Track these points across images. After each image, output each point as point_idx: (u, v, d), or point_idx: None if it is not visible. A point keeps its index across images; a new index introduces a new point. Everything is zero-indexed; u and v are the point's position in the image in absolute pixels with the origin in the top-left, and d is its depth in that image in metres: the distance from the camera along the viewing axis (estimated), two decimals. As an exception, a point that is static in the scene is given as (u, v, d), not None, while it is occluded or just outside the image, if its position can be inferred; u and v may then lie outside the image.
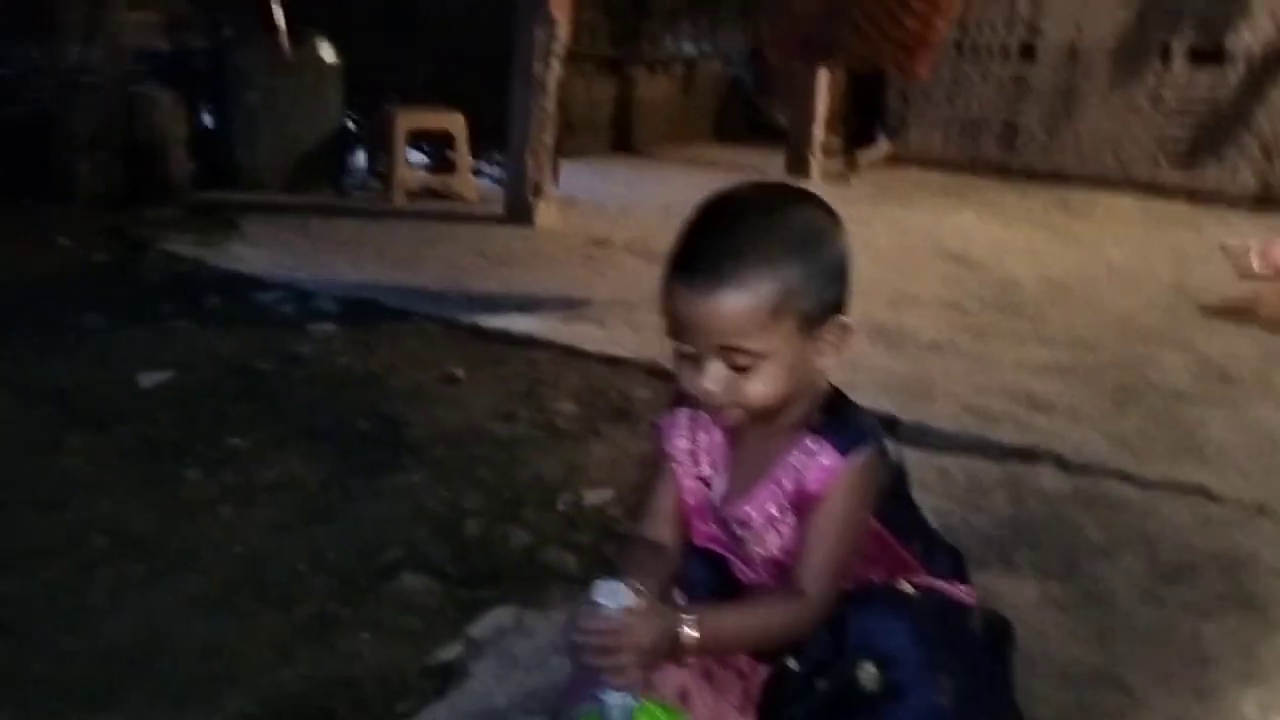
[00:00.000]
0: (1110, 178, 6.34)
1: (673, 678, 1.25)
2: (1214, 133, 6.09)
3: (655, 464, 1.38)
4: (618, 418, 2.49)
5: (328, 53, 4.91)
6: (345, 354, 2.82)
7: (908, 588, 1.26)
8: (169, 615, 1.63)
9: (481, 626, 1.63)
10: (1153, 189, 6.18)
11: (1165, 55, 6.17)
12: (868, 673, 1.17)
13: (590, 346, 2.95)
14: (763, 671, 1.29)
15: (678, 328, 1.19)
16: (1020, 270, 4.20)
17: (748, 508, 1.27)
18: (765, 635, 1.22)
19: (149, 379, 2.53)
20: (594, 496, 2.07)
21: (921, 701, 1.14)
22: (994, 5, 6.58)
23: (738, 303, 1.14)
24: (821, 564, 1.21)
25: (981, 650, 1.24)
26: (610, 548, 1.88)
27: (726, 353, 1.17)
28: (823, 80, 6.06)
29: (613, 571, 1.17)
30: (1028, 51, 6.57)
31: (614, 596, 1.07)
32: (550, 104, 4.40)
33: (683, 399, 1.37)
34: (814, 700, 1.22)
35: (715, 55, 7.48)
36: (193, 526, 1.90)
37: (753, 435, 1.27)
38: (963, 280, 3.98)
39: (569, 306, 3.35)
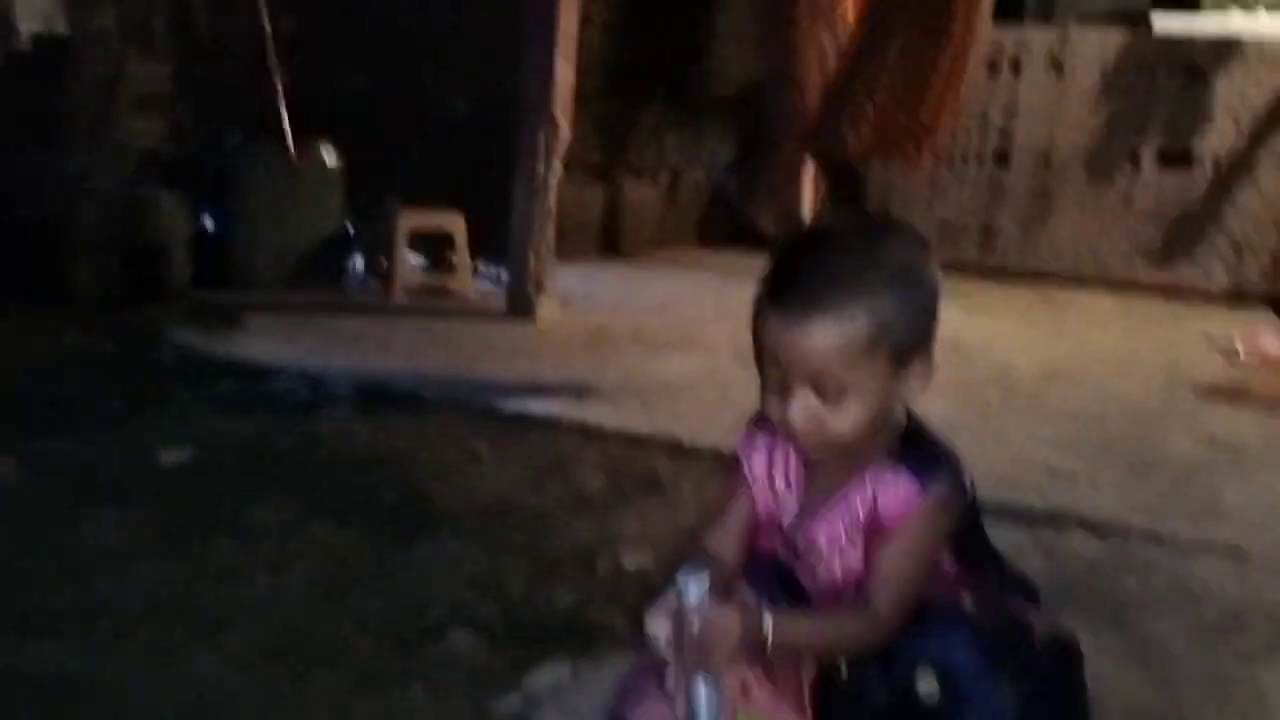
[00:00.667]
0: (1087, 276, 6.49)
1: (734, 671, 1.24)
2: (1185, 232, 6.28)
3: (731, 478, 1.39)
4: (648, 490, 2.48)
5: (330, 156, 5.00)
6: (364, 434, 2.80)
7: (968, 602, 1.26)
8: (216, 674, 1.58)
9: (537, 680, 1.60)
10: (1128, 286, 6.34)
11: (1135, 159, 6.41)
12: (928, 684, 1.16)
13: (609, 425, 2.96)
14: (812, 670, 1.28)
15: (767, 356, 1.21)
16: (1013, 357, 4.27)
17: (817, 531, 1.27)
18: (833, 646, 1.22)
19: (169, 457, 2.50)
20: (633, 561, 2.05)
21: (984, 709, 1.14)
22: (969, 113, 6.83)
23: (831, 333, 1.15)
24: (895, 590, 1.21)
25: (1047, 665, 1.23)
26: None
27: (817, 384, 1.18)
28: (807, 186, 6.23)
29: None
30: (1002, 157, 6.81)
31: (700, 587, 1.06)
32: (551, 202, 4.49)
33: (763, 421, 1.38)
34: (867, 711, 1.21)
35: (699, 164, 7.68)
36: (228, 592, 1.86)
37: (831, 461, 1.28)
38: (960, 366, 4.03)
39: (581, 391, 3.37)
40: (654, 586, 1.92)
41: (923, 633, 1.19)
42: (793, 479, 1.32)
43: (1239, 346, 4.56)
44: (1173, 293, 6.21)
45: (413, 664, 1.64)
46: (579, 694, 1.56)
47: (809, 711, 1.28)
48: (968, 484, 1.27)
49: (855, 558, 1.26)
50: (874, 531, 1.24)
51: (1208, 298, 6.11)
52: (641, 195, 7.25)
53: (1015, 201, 6.81)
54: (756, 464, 1.35)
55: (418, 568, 1.99)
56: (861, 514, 1.25)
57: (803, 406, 1.19)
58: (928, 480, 1.22)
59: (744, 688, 1.27)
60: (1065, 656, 1.27)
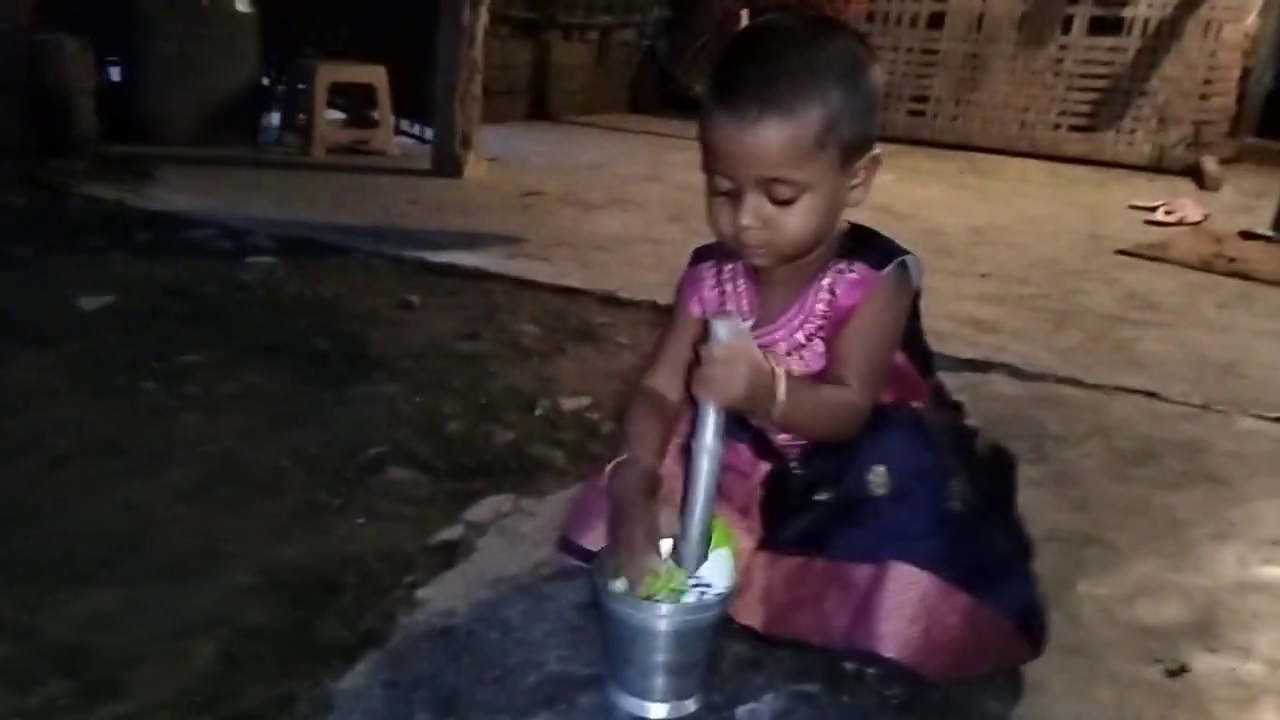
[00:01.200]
0: (1015, 146, 6.55)
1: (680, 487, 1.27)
2: (1112, 101, 6.34)
3: (672, 316, 1.39)
4: (582, 339, 2.47)
5: (243, 2, 4.75)
6: (290, 283, 2.74)
7: (919, 407, 1.30)
8: (152, 504, 1.56)
9: (479, 511, 1.61)
10: (1056, 155, 6.42)
11: (1067, 24, 6.41)
12: (878, 475, 1.20)
13: (542, 278, 2.93)
14: (762, 469, 1.31)
15: (717, 161, 1.19)
16: (943, 220, 4.32)
17: (774, 334, 1.29)
18: (830, 420, 1.23)
19: (90, 302, 2.41)
20: (571, 403, 2.05)
21: (929, 501, 1.18)
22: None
23: (784, 130, 1.14)
24: (864, 363, 1.24)
25: (986, 466, 1.28)
26: (595, 446, 1.87)
27: (768, 184, 1.17)
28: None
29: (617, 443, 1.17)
30: (936, 20, 6.75)
31: (730, 329, 1.10)
32: (478, 54, 4.34)
33: (707, 255, 1.38)
34: (819, 508, 1.26)
35: (630, 23, 7.48)
36: (158, 429, 1.82)
37: (779, 275, 1.28)
38: (891, 228, 3.98)
39: (513, 247, 3.32)
40: (593, 426, 1.96)
41: (878, 435, 1.22)
42: (745, 303, 1.33)
43: (1161, 213, 4.67)
44: (1098, 160, 6.31)
45: (353, 496, 1.63)
46: (522, 522, 1.57)
47: (758, 516, 1.31)
48: (915, 271, 1.30)
49: (815, 354, 1.28)
50: (835, 322, 1.26)
51: (1131, 166, 6.22)
52: (571, 56, 7.07)
53: (948, 67, 6.78)
54: (708, 298, 1.35)
55: (353, 408, 1.97)
56: (820, 308, 1.27)
57: (754, 210, 1.19)
58: (882, 263, 1.26)
59: None
60: (1002, 461, 1.32)
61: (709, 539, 1.16)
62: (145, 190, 3.76)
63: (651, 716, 1.14)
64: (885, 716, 1.17)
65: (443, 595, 1.36)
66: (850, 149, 1.18)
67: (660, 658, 1.13)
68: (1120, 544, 1.62)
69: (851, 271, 1.26)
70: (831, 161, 1.17)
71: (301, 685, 1.18)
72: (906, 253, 1.29)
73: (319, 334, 2.35)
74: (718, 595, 1.16)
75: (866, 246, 1.29)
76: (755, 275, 1.32)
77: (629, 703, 1.15)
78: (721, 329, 1.10)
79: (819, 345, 1.28)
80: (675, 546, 1.17)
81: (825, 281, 1.27)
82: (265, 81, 5.07)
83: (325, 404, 1.98)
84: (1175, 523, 1.71)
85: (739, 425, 1.35)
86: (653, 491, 1.24)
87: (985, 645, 1.19)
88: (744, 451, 1.34)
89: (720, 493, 1.29)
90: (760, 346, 1.29)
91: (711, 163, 1.20)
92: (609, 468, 1.28)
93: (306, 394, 2.02)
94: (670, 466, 1.30)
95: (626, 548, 1.17)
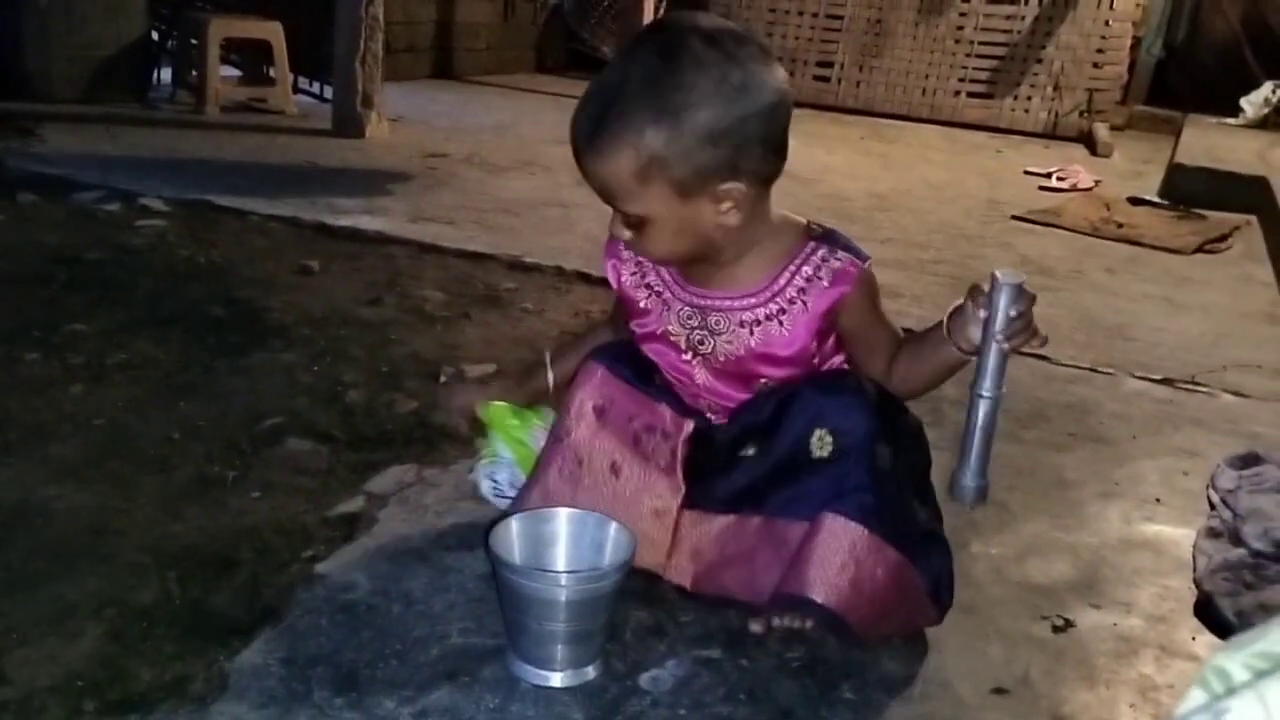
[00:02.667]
0: (917, 112, 6.66)
1: (601, 451, 1.29)
2: (1009, 69, 6.48)
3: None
4: (487, 304, 2.44)
5: (128, -49, 4.54)
6: (184, 247, 2.64)
7: (857, 377, 1.33)
8: (35, 482, 1.49)
9: (380, 482, 1.58)
10: (954, 122, 6.54)
11: (968, -9, 6.51)
12: (823, 440, 1.24)
13: (447, 243, 2.88)
14: (687, 428, 1.32)
15: None
16: (847, 186, 4.38)
17: (731, 303, 1.30)
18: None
19: (-36, 267, 2.30)
20: (477, 370, 2.03)
21: (864, 461, 1.22)
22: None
23: (601, 169, 1.17)
24: (888, 348, 1.31)
25: (910, 432, 1.32)
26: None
27: (619, 211, 1.22)
28: (648, 9, 6.08)
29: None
30: (841, -14, 6.79)
31: (1019, 278, 1.15)
32: (379, 10, 4.23)
33: None
34: (749, 464, 1.29)
35: (537, -19, 7.37)
36: (43, 402, 1.75)
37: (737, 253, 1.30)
38: (796, 193, 4.10)
39: (416, 210, 3.26)
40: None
41: (825, 399, 1.25)
42: (665, 269, 1.34)
43: (1055, 179, 4.80)
44: (995, 127, 6.46)
45: (249, 469, 1.59)
46: (424, 492, 1.55)
47: (680, 475, 1.32)
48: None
49: (768, 334, 1.30)
50: (817, 310, 1.28)
51: (1027, 132, 6.38)
52: (476, 13, 6.94)
53: (852, 33, 6.84)
54: (624, 260, 1.38)
55: (249, 378, 1.91)
56: (792, 292, 1.28)
57: (617, 224, 1.24)
58: (857, 251, 1.30)
59: (614, 467, 1.31)
60: (922, 435, 1.36)
61: (985, 475, 1.22)
62: (27, 150, 3.58)
63: (552, 685, 1.14)
64: (785, 679, 1.19)
65: (342, 569, 1.34)
66: (688, 185, 1.17)
67: (559, 627, 1.13)
68: (1012, 504, 1.67)
69: (837, 260, 1.27)
70: (663, 196, 1.18)
71: (195, 665, 1.15)
72: (866, 252, 1.32)
73: (213, 300, 2.28)
74: (615, 565, 1.17)
75: (835, 237, 1.31)
76: None
77: (529, 672, 1.15)
78: (1013, 289, 1.14)
79: (775, 325, 1.29)
80: (954, 480, 1.23)
81: (803, 267, 1.28)
82: (154, 36, 4.86)
83: (219, 373, 1.92)
84: (1063, 483, 1.77)
85: (659, 388, 1.36)
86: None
87: (904, 603, 1.24)
88: (665, 411, 1.34)
89: (643, 452, 1.31)
90: (715, 311, 1.30)
91: None
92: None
93: (200, 363, 1.95)
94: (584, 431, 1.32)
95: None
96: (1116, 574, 1.49)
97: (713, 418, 1.37)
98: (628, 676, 1.17)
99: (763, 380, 1.33)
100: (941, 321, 1.24)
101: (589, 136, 1.16)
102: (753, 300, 1.30)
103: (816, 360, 1.33)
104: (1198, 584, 1.46)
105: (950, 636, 1.29)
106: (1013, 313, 1.14)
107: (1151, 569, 1.51)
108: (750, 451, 1.30)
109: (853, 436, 1.22)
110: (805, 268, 1.28)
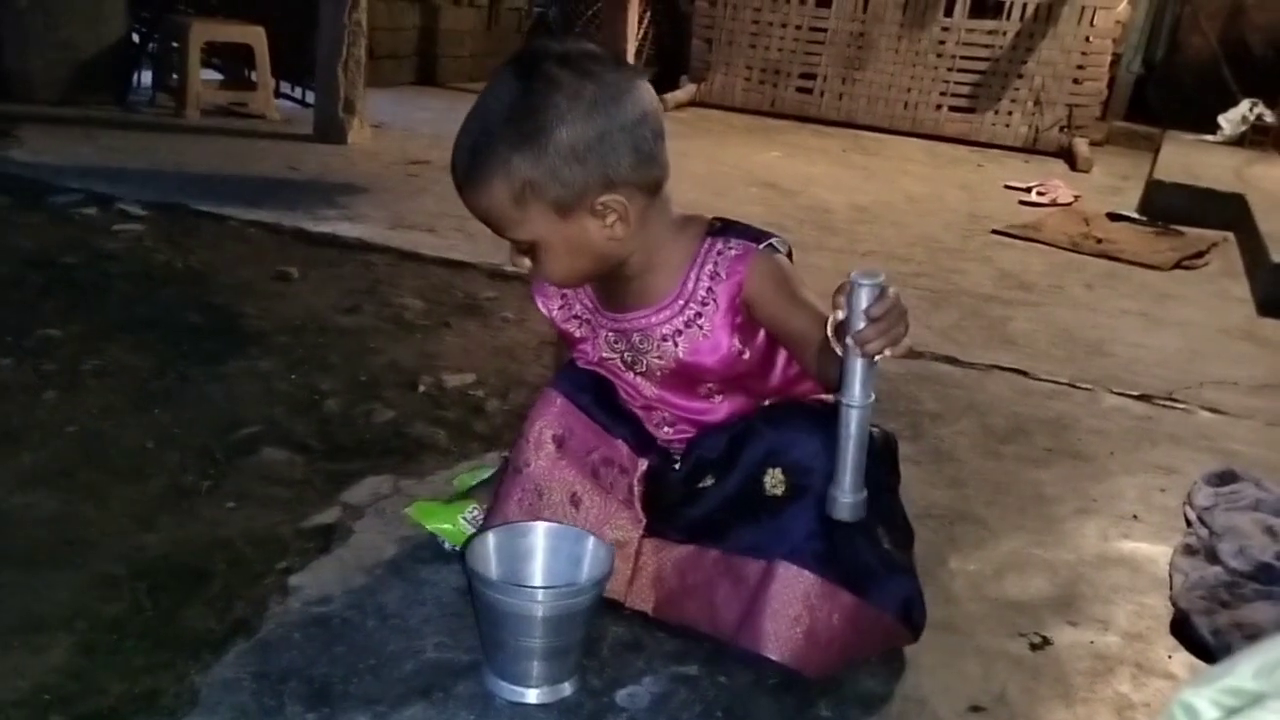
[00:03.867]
0: (898, 125, 6.68)
1: (562, 483, 1.28)
2: (990, 84, 6.52)
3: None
4: (467, 313, 2.43)
5: (109, -47, 4.51)
6: (161, 252, 2.62)
7: (813, 402, 1.31)
8: (4, 490, 1.47)
9: (357, 493, 1.57)
10: (936, 135, 6.57)
11: (949, 7, 6.55)
12: (775, 478, 1.23)
13: (427, 251, 2.87)
14: (642, 465, 1.32)
15: None
16: (828, 197, 4.38)
17: (648, 318, 1.29)
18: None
19: (-63, 271, 2.27)
20: (455, 380, 2.02)
21: (815, 507, 1.18)
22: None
23: (480, 201, 1.18)
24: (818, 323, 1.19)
25: (876, 460, 1.29)
26: (479, 424, 1.84)
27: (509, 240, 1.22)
28: (631, 21, 6.08)
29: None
30: (824, -1, 6.82)
31: (876, 277, 1.04)
32: (363, 16, 4.21)
33: None
34: (708, 496, 1.28)
35: (521, -10, 7.36)
36: (15, 409, 1.72)
37: (637, 266, 1.28)
38: (778, 204, 4.11)
39: (397, 217, 3.24)
40: (478, 404, 1.93)
41: (778, 433, 1.24)
42: (584, 293, 1.36)
43: (1034, 194, 4.83)
44: (976, 141, 6.49)
45: (224, 478, 1.57)
46: (401, 504, 1.53)
47: (640, 509, 1.32)
48: (785, 252, 1.30)
49: (691, 341, 1.28)
50: (728, 300, 1.26)
51: (1008, 147, 6.42)
52: (459, 21, 6.93)
53: (835, 45, 6.87)
54: (549, 293, 1.38)
55: (225, 385, 1.90)
56: (701, 293, 1.27)
57: (512, 255, 1.25)
58: (759, 239, 1.28)
59: (574, 499, 1.30)
60: (889, 449, 1.34)
61: (860, 488, 1.12)
62: (3, 152, 3.54)
63: (527, 701, 1.13)
64: (762, 697, 1.18)
65: (317, 582, 1.33)
66: (565, 203, 1.16)
67: (535, 643, 1.12)
68: (990, 520, 1.67)
69: (731, 248, 1.26)
70: (543, 217, 1.17)
71: (165, 679, 1.13)
72: (774, 235, 1.29)
73: (190, 307, 2.26)
74: (592, 580, 1.16)
75: (735, 228, 1.30)
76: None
77: (504, 689, 1.14)
78: (869, 290, 1.03)
79: (695, 331, 1.27)
80: (829, 497, 1.13)
81: (705, 265, 1.27)
82: (135, 38, 4.82)
83: (195, 381, 1.90)
84: (1042, 499, 1.78)
85: (617, 419, 1.34)
86: None
87: (865, 639, 1.23)
88: (622, 447, 1.33)
89: (602, 485, 1.30)
90: (635, 331, 1.30)
91: None
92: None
93: (175, 371, 1.93)
94: (544, 462, 1.30)
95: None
96: (1094, 591, 1.49)
97: (675, 455, 1.35)
98: (604, 693, 1.16)
99: (707, 385, 1.33)
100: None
101: (464, 173, 1.18)
102: (667, 312, 1.28)
103: (747, 357, 1.29)
104: (1174, 602, 1.46)
105: (927, 654, 1.29)
106: (872, 315, 1.03)
107: (1128, 586, 1.52)
108: (708, 482, 1.29)
109: (806, 478, 1.20)
110: (707, 266, 1.26)
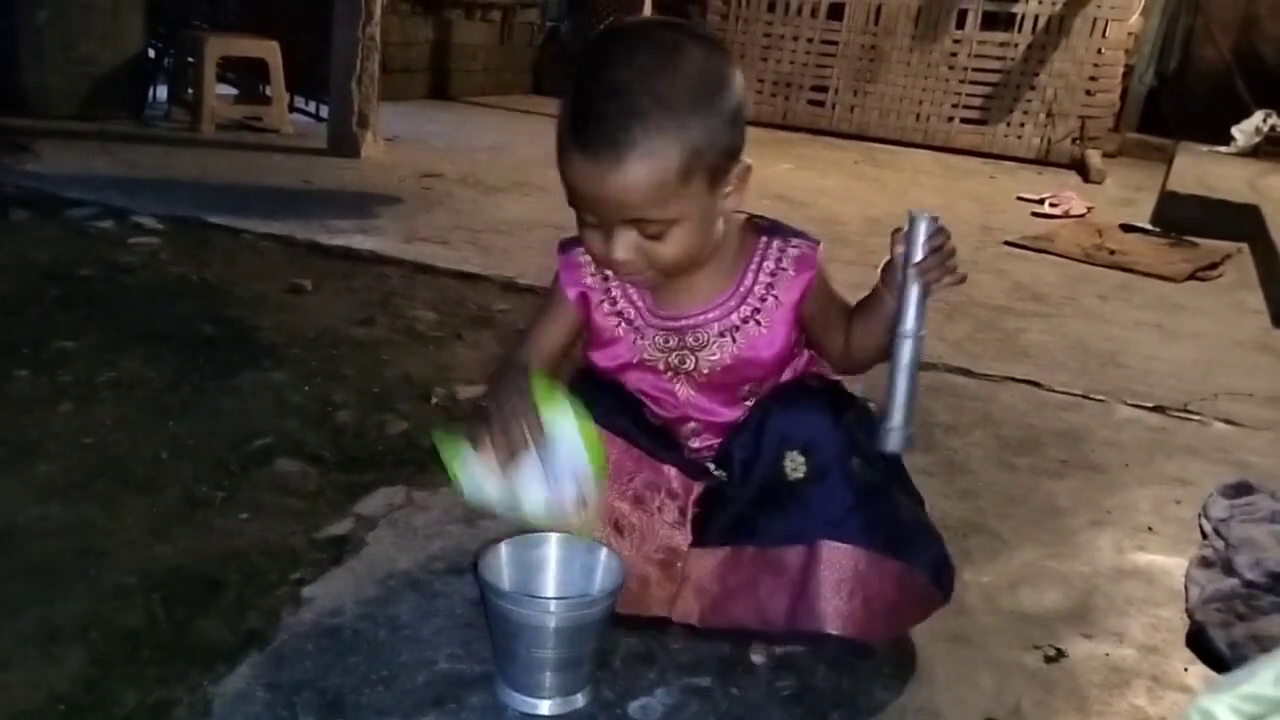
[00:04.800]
0: (910, 137, 6.69)
1: (606, 509, 1.26)
2: (1002, 95, 6.52)
3: (546, 304, 1.37)
4: (480, 325, 2.44)
5: (126, -31, 4.55)
6: (176, 265, 2.63)
7: (814, 382, 1.32)
8: (21, 502, 1.48)
9: (370, 504, 1.57)
10: (948, 148, 6.57)
11: (960, 19, 6.56)
12: (795, 461, 1.24)
13: (441, 264, 2.88)
14: (696, 490, 1.31)
15: (580, 200, 1.15)
16: (840, 209, 4.39)
17: (706, 314, 1.29)
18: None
19: (-45, 283, 2.29)
20: (469, 391, 2.02)
21: (844, 480, 1.22)
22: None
23: (645, 175, 1.09)
24: (843, 317, 1.29)
25: (874, 426, 1.29)
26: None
27: (636, 223, 1.15)
28: (643, 31, 6.09)
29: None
30: (836, 11, 6.83)
31: (931, 213, 1.15)
32: (376, 31, 4.24)
33: (576, 241, 1.35)
34: (736, 500, 1.28)
35: (533, 3, 7.40)
36: (31, 421, 1.73)
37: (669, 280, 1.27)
38: (790, 216, 4.07)
39: (410, 230, 3.26)
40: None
41: (790, 416, 1.25)
42: (635, 291, 1.32)
43: (1047, 205, 4.82)
44: (988, 153, 6.49)
45: (237, 490, 1.58)
46: (414, 515, 1.54)
47: (689, 530, 1.30)
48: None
49: (748, 338, 1.29)
50: (790, 301, 1.28)
51: (1020, 159, 6.42)
52: (472, 35, 6.97)
53: (846, 58, 6.88)
54: (591, 284, 1.33)
55: (239, 397, 1.90)
56: (759, 290, 1.28)
57: (625, 244, 1.16)
58: (808, 235, 1.31)
59: (616, 525, 1.28)
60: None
61: (911, 421, 1.18)
62: (21, 166, 3.57)
63: (540, 713, 1.13)
64: (775, 707, 1.18)
65: (330, 593, 1.33)
66: (718, 170, 1.15)
67: (548, 654, 1.12)
68: (1004, 532, 1.66)
69: (794, 247, 1.28)
70: (699, 189, 1.14)
71: (179, 689, 1.13)
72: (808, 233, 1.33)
73: (204, 319, 2.27)
74: (605, 591, 1.16)
75: (781, 227, 1.31)
76: None
77: (517, 700, 1.14)
78: (928, 223, 1.14)
79: (754, 327, 1.28)
80: (878, 427, 1.18)
81: (764, 263, 1.28)
82: (151, 53, 4.87)
83: (209, 393, 1.91)
84: (1056, 510, 1.77)
85: (660, 445, 1.33)
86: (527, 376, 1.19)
87: (914, 603, 1.26)
88: (671, 472, 1.31)
89: (647, 509, 1.29)
90: (690, 329, 1.29)
91: (575, 200, 1.16)
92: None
93: (189, 382, 1.94)
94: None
95: (502, 419, 1.10)
96: (1109, 603, 1.48)
97: (697, 455, 1.34)
98: (617, 705, 1.16)
99: (745, 388, 1.32)
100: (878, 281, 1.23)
101: (620, 143, 1.08)
102: (723, 309, 1.29)
103: (797, 350, 1.33)
104: (1190, 614, 1.45)
105: (941, 666, 1.28)
106: (928, 248, 1.13)
107: (1144, 598, 1.51)
108: (750, 488, 1.28)
109: (825, 454, 1.22)
110: (767, 263, 1.28)
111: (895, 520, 1.25)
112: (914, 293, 1.15)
